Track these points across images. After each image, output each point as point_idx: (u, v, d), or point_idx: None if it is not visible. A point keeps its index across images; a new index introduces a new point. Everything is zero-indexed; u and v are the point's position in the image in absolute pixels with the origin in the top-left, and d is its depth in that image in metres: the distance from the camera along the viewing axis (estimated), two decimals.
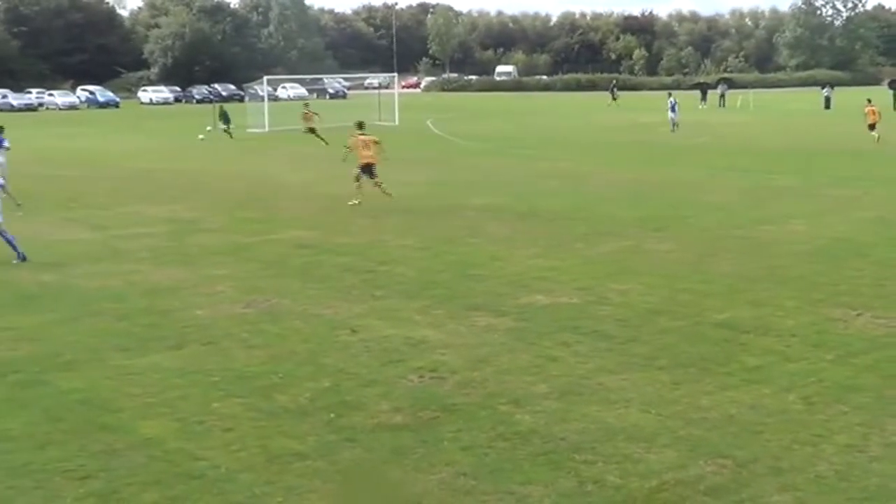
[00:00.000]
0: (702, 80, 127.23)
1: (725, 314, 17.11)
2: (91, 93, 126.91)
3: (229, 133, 61.25)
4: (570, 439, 11.52)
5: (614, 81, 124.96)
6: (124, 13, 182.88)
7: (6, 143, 37.30)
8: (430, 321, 17.01)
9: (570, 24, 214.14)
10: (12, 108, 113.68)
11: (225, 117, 62.79)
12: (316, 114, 57.90)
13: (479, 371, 14.11)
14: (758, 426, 11.85)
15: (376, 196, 30.98)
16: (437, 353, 15.02)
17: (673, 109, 64.35)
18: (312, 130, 56.11)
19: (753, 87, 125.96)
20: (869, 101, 54.13)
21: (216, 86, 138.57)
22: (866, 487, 10.24)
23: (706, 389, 13.15)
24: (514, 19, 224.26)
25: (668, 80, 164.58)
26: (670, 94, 70.91)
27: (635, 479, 10.42)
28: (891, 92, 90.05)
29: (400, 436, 11.71)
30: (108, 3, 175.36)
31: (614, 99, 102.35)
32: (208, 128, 62.41)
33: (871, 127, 49.49)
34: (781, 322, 16.67)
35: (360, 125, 32.26)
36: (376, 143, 31.38)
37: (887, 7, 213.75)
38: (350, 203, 30.80)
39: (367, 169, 30.94)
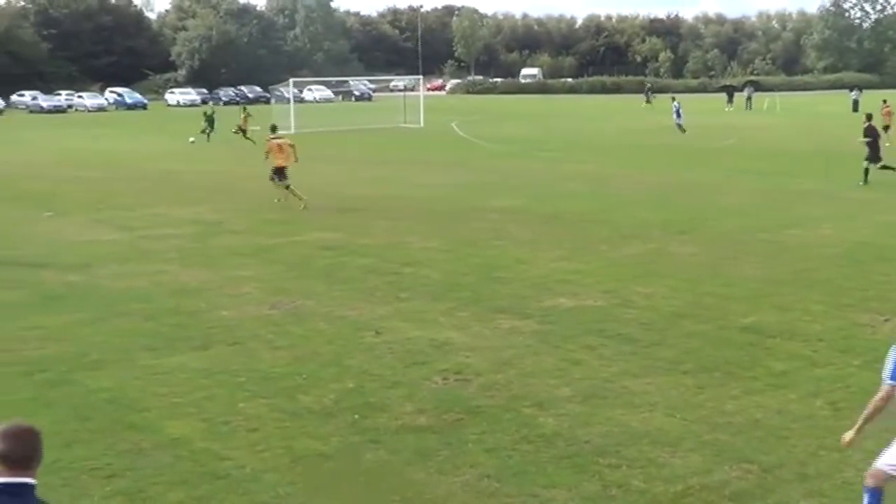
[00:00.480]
0: (728, 83, 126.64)
1: (751, 318, 17.08)
2: (119, 95, 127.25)
3: (208, 136, 61.10)
4: (595, 443, 11.54)
5: (649, 84, 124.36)
6: (152, 16, 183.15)
7: None
8: (455, 323, 17.04)
9: (595, 27, 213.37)
10: (42, 110, 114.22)
11: (211, 121, 62.82)
12: (250, 115, 60.24)
13: (504, 373, 14.14)
14: (784, 431, 11.85)
15: (401, 198, 31.06)
16: (461, 356, 15.05)
17: (678, 114, 64.26)
18: (243, 131, 57.26)
19: (780, 89, 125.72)
20: (885, 101, 53.90)
21: (242, 88, 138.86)
22: (893, 493, 10.21)
23: (731, 394, 13.14)
24: (539, 21, 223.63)
25: (693, 82, 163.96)
26: (674, 99, 70.72)
27: (660, 484, 10.43)
28: None
29: (424, 438, 11.74)
30: (136, 5, 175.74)
31: (649, 102, 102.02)
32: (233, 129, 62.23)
33: (886, 129, 49.09)
34: (808, 326, 16.62)
35: (274, 129, 33.88)
36: (291, 146, 32.21)
37: None
38: (275, 200, 31.74)
39: (280, 172, 31.71)
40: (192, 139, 59.48)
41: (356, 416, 12.44)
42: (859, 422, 8.91)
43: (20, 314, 18.00)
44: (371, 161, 47.88)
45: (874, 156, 36.22)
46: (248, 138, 56.46)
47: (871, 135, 36.74)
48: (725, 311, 17.61)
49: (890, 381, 8.61)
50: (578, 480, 10.56)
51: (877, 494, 9.26)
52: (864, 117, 38.51)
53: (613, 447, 11.33)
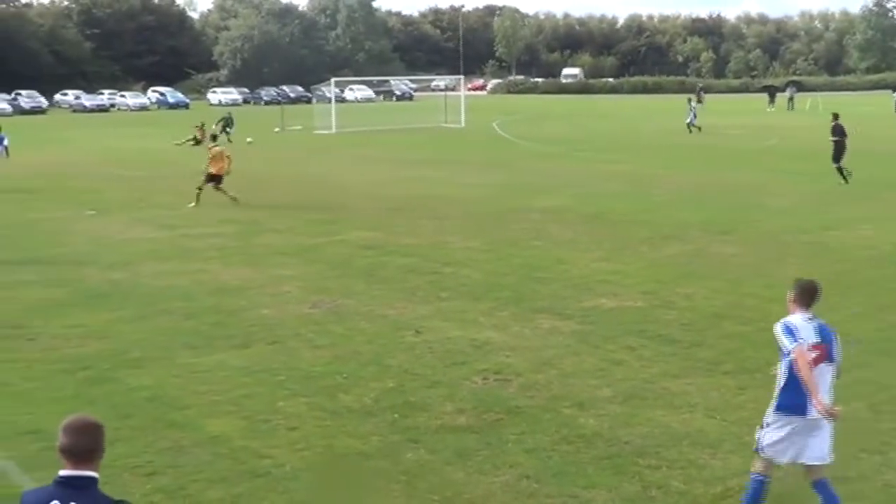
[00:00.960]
0: (770, 83, 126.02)
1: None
2: (161, 94, 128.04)
3: (229, 138, 60.32)
4: (635, 444, 11.51)
5: (700, 85, 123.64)
6: (195, 15, 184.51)
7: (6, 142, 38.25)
8: (495, 323, 17.04)
9: (636, 27, 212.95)
10: (85, 109, 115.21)
11: (228, 122, 62.42)
12: (202, 127, 59.06)
13: (544, 374, 14.13)
14: None
15: (442, 197, 31.11)
16: (501, 356, 15.05)
17: (694, 115, 64.55)
18: (196, 140, 57.02)
19: (822, 90, 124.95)
20: None
21: (284, 88, 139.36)
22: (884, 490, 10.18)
23: (772, 395, 13.06)
24: (581, 21, 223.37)
25: (735, 82, 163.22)
26: (691, 100, 70.74)
27: (699, 485, 10.40)
28: None
29: (464, 437, 11.75)
30: (178, 5, 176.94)
31: (700, 101, 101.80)
32: (276, 129, 61.86)
33: None
34: (848, 328, 16.49)
35: (214, 138, 34.95)
36: (227, 157, 32.64)
37: None
38: (189, 205, 31.61)
39: (215, 178, 32.04)
40: (249, 139, 59.01)
41: (396, 416, 12.46)
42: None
43: (63, 312, 18.15)
44: (412, 161, 47.89)
45: (837, 156, 36.10)
46: (188, 142, 55.67)
47: (838, 134, 36.78)
48: (766, 312, 17.42)
49: (791, 346, 9.16)
50: (618, 481, 10.54)
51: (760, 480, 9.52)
52: (831, 116, 38.31)
53: (653, 448, 11.31)
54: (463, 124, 74.24)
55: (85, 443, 5.56)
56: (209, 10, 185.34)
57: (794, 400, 9.11)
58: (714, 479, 10.54)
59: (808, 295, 9.63)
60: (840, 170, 35.76)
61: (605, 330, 16.47)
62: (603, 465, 10.98)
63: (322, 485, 10.68)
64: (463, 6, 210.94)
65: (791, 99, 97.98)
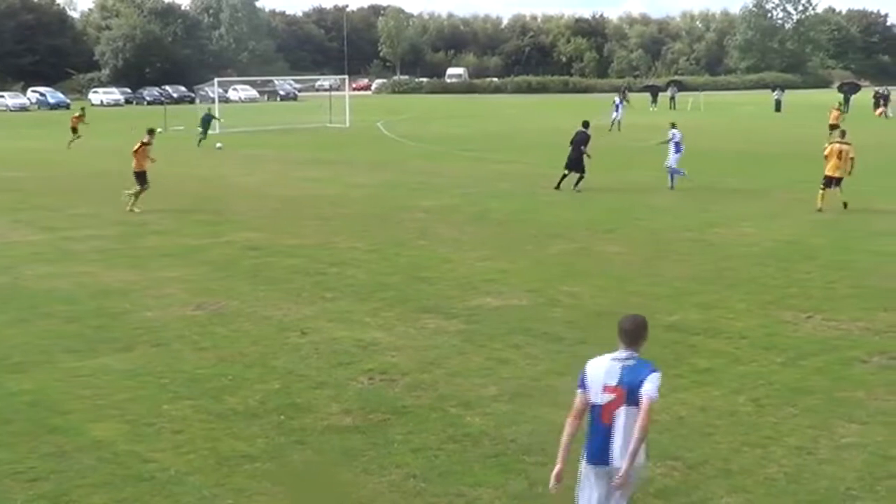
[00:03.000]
0: (652, 83, 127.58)
1: (675, 316, 17.22)
2: (42, 94, 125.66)
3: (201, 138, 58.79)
4: (521, 441, 11.59)
5: (625, 85, 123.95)
6: (75, 15, 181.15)
7: None
8: (381, 323, 17.02)
9: (520, 27, 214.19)
10: None
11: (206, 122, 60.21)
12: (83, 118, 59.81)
13: (430, 373, 14.15)
14: (708, 428, 11.97)
15: (327, 198, 31.02)
16: (387, 356, 15.05)
17: (617, 109, 65.76)
18: (75, 131, 56.73)
19: (704, 89, 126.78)
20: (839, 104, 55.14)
21: (167, 87, 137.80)
22: (816, 490, 10.35)
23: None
24: (465, 21, 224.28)
25: (618, 82, 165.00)
26: (616, 99, 72.07)
27: None
28: (840, 95, 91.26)
29: (350, 438, 11.72)
30: (59, 4, 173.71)
31: (626, 100, 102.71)
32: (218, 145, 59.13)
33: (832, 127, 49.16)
34: (731, 324, 16.80)
35: (152, 132, 33.05)
36: (152, 161, 32.06)
37: (837, 10, 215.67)
38: (128, 208, 31.03)
39: (142, 175, 31.47)
40: (219, 145, 56.79)
41: (282, 417, 12.39)
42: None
43: None
44: (297, 161, 47.68)
45: (572, 165, 35.22)
46: (73, 139, 56.44)
47: (578, 143, 35.61)
48: (650, 309, 17.58)
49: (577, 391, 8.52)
50: (505, 479, 10.59)
51: None
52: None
53: (539, 445, 11.33)
54: (348, 124, 74.06)
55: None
56: (90, 10, 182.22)
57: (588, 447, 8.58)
58: None
59: (621, 333, 8.84)
60: (564, 177, 35.24)
61: (491, 329, 16.54)
62: (489, 463, 11.02)
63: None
64: (347, 6, 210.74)
65: (673, 98, 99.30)
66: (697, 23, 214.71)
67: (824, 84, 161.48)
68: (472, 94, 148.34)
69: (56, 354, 15.30)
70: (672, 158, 36.07)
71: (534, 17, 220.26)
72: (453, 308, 17.97)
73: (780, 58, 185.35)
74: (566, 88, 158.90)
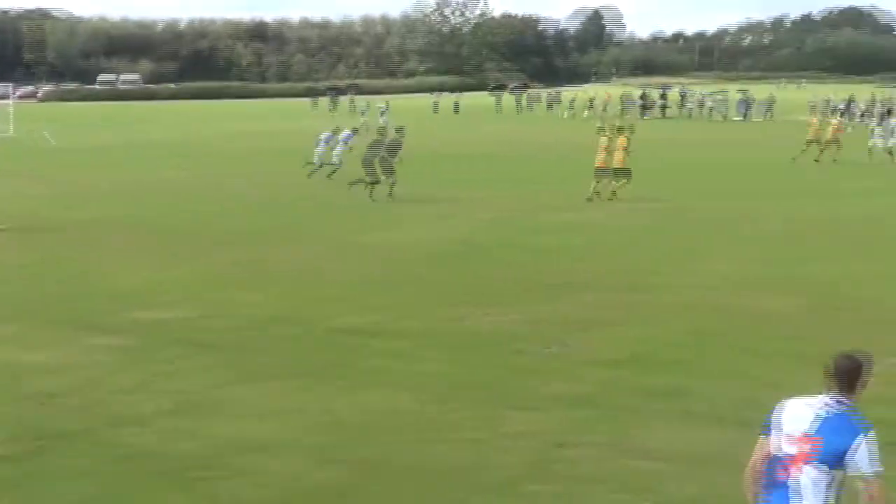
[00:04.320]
0: (333, 86, 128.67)
1: (342, 319, 17.18)
2: None
3: None
4: (186, 456, 11.19)
5: (342, 86, 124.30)
6: None
7: None
8: (34, 343, 16.06)
9: (198, 32, 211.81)
10: None
11: None
12: None
13: (88, 393, 13.45)
14: (371, 429, 11.94)
15: None
16: (43, 378, 14.18)
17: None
18: None
19: (384, 93, 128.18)
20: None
21: None
22: (483, 482, 10.44)
23: (326, 395, 13.13)
24: (141, 25, 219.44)
25: (300, 86, 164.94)
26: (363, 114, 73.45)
27: (254, 490, 10.25)
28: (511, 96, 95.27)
29: (0, 469, 11.00)
30: None
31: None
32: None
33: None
34: (397, 324, 16.95)
35: None
36: None
37: (514, 14, 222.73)
38: None
39: None
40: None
41: None
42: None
43: None
44: None
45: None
46: None
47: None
48: (318, 314, 17.62)
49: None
50: (173, 497, 10.23)
51: None
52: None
53: (205, 459, 11.02)
54: (12, 132, 71.13)
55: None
56: None
57: None
58: (271, 483, 10.41)
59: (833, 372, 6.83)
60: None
61: (154, 342, 15.96)
62: (155, 480, 10.58)
63: None
64: (8, 11, 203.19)
65: (352, 101, 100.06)
66: (378, 27, 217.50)
67: (488, 86, 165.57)
68: (149, 101, 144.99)
69: None
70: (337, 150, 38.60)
71: (212, 21, 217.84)
72: (113, 323, 17.20)
73: (457, 61, 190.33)
74: (245, 93, 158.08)
